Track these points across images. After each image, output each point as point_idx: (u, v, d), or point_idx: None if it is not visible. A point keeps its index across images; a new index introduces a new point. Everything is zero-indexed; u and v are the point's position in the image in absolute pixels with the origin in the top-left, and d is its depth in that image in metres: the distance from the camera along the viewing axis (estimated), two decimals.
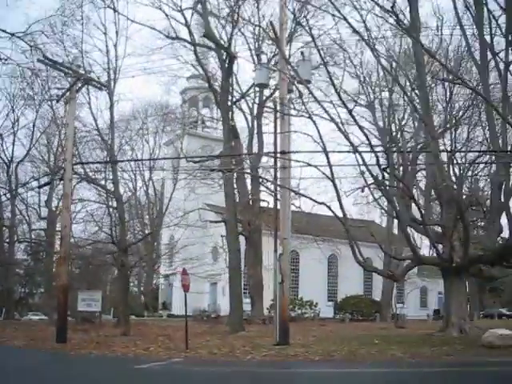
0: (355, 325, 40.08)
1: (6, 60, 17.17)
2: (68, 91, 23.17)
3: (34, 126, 56.64)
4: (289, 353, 17.77)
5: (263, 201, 42.31)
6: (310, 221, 44.75)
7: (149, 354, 18.12)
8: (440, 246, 24.88)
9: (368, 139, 21.37)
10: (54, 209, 68.85)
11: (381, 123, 38.71)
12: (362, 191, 49.22)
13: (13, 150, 60.99)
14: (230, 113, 33.62)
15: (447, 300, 23.71)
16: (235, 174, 29.87)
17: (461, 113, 28.73)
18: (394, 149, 28.58)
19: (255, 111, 43.77)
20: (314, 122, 20.22)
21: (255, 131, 42.94)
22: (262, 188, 43.32)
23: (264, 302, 43.87)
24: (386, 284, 50.46)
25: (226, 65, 30.87)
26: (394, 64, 29.50)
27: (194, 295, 52.93)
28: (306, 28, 18.31)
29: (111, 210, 34.24)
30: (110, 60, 32.78)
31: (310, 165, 19.93)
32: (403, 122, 38.49)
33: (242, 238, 44.47)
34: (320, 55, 20.19)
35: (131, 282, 68.87)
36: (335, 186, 20.60)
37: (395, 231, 54.45)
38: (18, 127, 59.23)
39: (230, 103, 33.29)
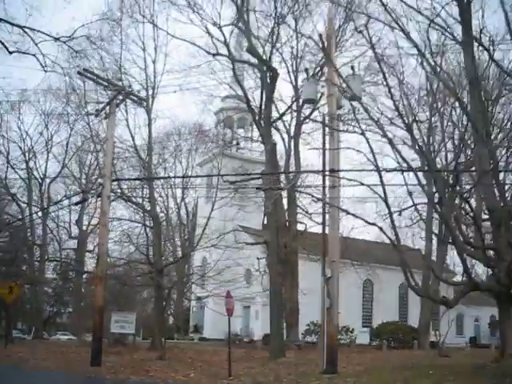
0: (395, 352, 38.53)
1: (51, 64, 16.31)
2: (108, 105, 22.45)
3: (67, 143, 56.51)
4: (339, 382, 16.59)
5: (301, 223, 41.17)
6: (346, 244, 43.81)
7: (190, 381, 17.05)
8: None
9: (405, 161, 20.27)
10: (84, 228, 68.79)
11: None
12: (400, 214, 48.09)
13: (46, 168, 60.90)
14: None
15: (503, 328, 22.25)
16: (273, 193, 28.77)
17: None
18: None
19: (292, 131, 42.83)
20: (366, 138, 19.11)
21: (292, 152, 42.00)
22: (298, 210, 42.34)
23: (299, 327, 42.64)
24: (424, 311, 48.80)
25: (268, 81, 29.95)
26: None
27: (225, 318, 52.15)
28: (365, 35, 17.05)
29: (147, 229, 33.38)
30: (149, 76, 32.24)
31: (362, 184, 18.76)
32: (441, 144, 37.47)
33: None
34: (379, 65, 18.89)
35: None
36: (388, 206, 19.41)
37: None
38: (52, 144, 59.13)
39: (270, 121, 32.27)
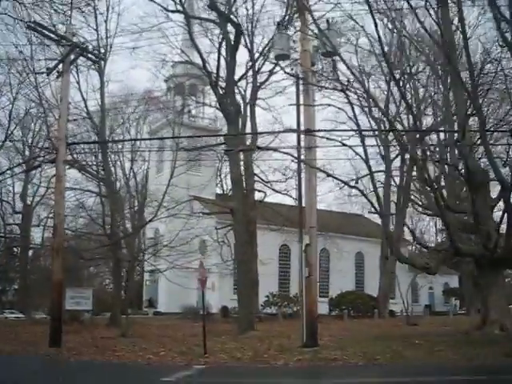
0: (358, 322, 37.84)
1: None
2: (61, 62, 20.49)
3: (10, 112, 53.44)
4: (326, 356, 15.36)
5: (259, 191, 39.83)
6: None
7: (163, 361, 15.56)
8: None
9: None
10: (29, 202, 65.98)
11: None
12: (356, 182, 47.28)
13: None
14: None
15: (485, 295, 21.39)
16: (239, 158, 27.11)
17: None
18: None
19: (248, 97, 41.28)
20: (347, 96, 17.82)
21: (249, 118, 40.50)
22: (256, 178, 41.00)
23: (260, 299, 41.63)
24: (383, 280, 48.39)
25: (232, 38, 28.22)
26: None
27: (181, 291, 50.59)
28: None
29: (103, 199, 31.46)
30: (101, 37, 30.10)
31: (344, 144, 17.47)
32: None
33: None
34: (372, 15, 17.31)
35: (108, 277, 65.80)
36: (370, 168, 18.22)
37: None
38: None
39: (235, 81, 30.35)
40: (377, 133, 34.79)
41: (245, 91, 43.05)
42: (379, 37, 16.57)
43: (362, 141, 17.61)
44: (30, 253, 69.20)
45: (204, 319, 17.59)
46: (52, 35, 20.46)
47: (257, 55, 38.32)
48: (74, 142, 24.06)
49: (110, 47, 27.62)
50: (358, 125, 18.16)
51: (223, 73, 32.12)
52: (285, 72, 23.11)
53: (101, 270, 61.40)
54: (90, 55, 21.76)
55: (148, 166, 52.43)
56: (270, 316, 42.73)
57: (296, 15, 23.50)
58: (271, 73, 39.53)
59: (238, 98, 41.73)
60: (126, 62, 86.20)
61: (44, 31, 20.28)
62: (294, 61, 21.87)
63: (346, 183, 19.09)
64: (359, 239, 58.93)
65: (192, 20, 32.26)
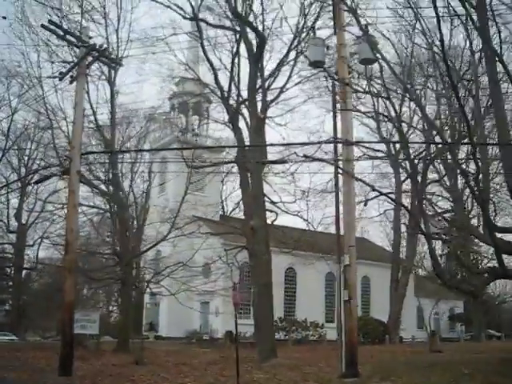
0: (373, 348, 35.95)
1: None
2: (76, 65, 18.95)
3: (9, 128, 51.83)
4: None
5: (271, 211, 38.13)
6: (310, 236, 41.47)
7: None
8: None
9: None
10: (23, 222, 64.14)
11: None
12: (365, 205, 45.76)
13: None
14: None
15: None
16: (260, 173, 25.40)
17: None
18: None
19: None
20: (392, 103, 16.35)
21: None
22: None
23: None
24: (393, 304, 46.69)
25: (254, 51, 26.69)
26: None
27: (183, 315, 48.83)
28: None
29: (109, 216, 29.74)
30: (112, 46, 28.66)
31: (386, 157, 15.90)
32: None
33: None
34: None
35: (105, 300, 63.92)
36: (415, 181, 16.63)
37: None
38: None
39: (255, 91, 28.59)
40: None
41: (253, 109, 41.82)
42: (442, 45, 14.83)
43: (408, 152, 16.07)
44: (24, 273, 67.59)
45: (237, 347, 15.78)
46: (68, 36, 18.93)
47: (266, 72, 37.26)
48: (88, 152, 22.38)
49: (121, 58, 26.16)
50: (402, 134, 16.58)
51: (232, 88, 30.85)
52: (327, 75, 21.14)
53: (96, 292, 59.62)
54: (105, 60, 20.17)
55: (149, 186, 50.84)
56: (280, 342, 40.91)
57: (331, 21, 21.99)
58: (281, 90, 38.24)
59: (247, 115, 40.72)
60: (132, 76, 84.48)
61: (59, 31, 18.78)
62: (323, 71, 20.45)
63: (391, 198, 17.49)
64: (365, 263, 57.17)
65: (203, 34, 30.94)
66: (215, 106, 45.51)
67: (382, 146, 49.42)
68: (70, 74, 19.65)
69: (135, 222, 52.15)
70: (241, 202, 60.86)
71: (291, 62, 33.61)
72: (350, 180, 17.37)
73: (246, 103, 38.96)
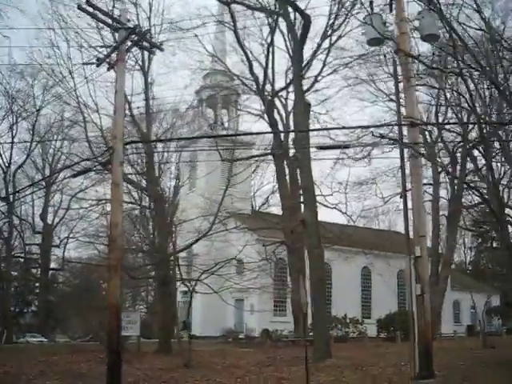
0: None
1: None
2: (116, 49, 17.58)
3: (34, 125, 50.92)
4: None
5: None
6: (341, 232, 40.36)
7: None
8: None
9: None
10: (49, 222, 63.33)
11: None
12: (401, 197, 44.15)
13: (11, 154, 55.33)
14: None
15: None
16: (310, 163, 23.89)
17: None
18: None
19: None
20: (464, 80, 14.85)
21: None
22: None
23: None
24: (434, 298, 44.94)
25: (299, 33, 25.23)
26: None
27: (216, 313, 47.53)
28: None
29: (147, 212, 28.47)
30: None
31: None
32: None
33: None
34: None
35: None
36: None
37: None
38: (18, 127, 53.60)
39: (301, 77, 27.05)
40: None
41: (286, 100, 40.52)
42: None
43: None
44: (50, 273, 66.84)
45: (306, 348, 14.36)
46: (106, 19, 17.61)
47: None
48: (131, 141, 20.99)
49: (161, 43, 24.86)
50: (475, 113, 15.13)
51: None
52: (384, 55, 19.67)
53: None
54: (146, 44, 18.78)
55: (178, 183, 49.49)
56: None
57: None
58: (316, 79, 36.93)
59: (280, 107, 39.37)
60: (161, 69, 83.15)
61: (97, 13, 17.44)
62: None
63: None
64: (400, 257, 55.45)
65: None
66: (245, 99, 44.22)
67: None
68: (107, 60, 18.45)
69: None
70: (270, 197, 59.26)
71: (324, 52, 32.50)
72: (419, 164, 16.04)
73: (281, 94, 37.90)
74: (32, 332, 56.82)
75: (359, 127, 25.73)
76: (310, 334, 39.71)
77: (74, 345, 39.64)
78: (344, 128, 25.18)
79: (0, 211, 53.83)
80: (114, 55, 18.13)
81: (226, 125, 54.79)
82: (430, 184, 47.51)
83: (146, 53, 27.78)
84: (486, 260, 75.60)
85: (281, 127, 37.98)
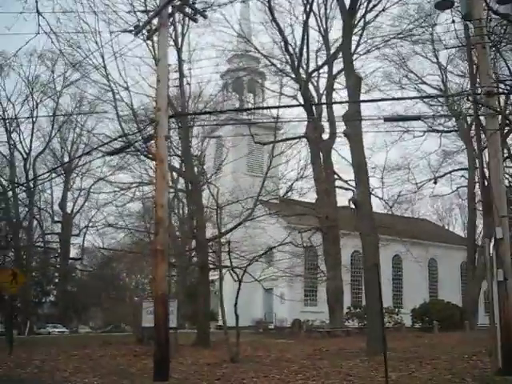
0: (465, 335, 32.61)
1: None
2: (156, 16, 16.16)
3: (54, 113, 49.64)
4: None
5: (344, 188, 35.29)
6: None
7: None
8: None
9: None
10: (68, 211, 62.22)
11: None
12: (435, 183, 42.34)
13: (31, 141, 54.28)
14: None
15: None
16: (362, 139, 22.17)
17: None
18: None
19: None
20: None
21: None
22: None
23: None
24: (471, 287, 43.31)
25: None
26: None
27: (244, 303, 45.88)
28: None
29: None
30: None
31: None
32: None
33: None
34: None
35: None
36: None
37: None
38: (38, 114, 52.44)
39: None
40: None
41: (317, 82, 39.08)
42: None
43: None
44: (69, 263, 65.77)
45: (385, 341, 12.72)
46: None
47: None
48: (180, 113, 19.38)
49: (205, 10, 23.36)
50: None
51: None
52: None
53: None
54: (189, 11, 17.26)
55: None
56: (354, 330, 38.07)
57: None
58: (349, 63, 35.42)
59: (312, 89, 37.88)
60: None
61: None
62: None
63: None
64: (431, 245, 53.83)
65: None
66: (274, 82, 42.60)
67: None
68: (147, 28, 17.05)
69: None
70: (294, 184, 57.58)
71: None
72: (497, 138, 14.45)
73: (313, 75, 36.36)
74: (52, 322, 55.83)
75: (420, 97, 23.90)
76: (346, 323, 38.71)
77: (102, 336, 38.31)
78: (403, 99, 23.39)
79: (20, 201, 52.90)
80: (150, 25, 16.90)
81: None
82: (465, 169, 45.87)
83: (179, 29, 26.38)
84: None
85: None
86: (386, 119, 17.10)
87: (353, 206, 36.37)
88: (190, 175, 25.85)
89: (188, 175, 26.04)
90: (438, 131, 47.35)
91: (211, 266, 26.40)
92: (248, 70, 46.39)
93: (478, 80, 15.85)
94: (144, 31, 17.44)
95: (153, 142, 16.38)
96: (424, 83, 46.09)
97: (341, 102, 24.92)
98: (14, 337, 27.71)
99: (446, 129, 47.30)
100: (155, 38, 20.10)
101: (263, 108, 40.42)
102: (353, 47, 30.46)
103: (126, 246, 42.72)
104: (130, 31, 17.08)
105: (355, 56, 32.40)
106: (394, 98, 22.45)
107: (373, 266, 20.04)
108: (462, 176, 46.32)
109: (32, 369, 17.42)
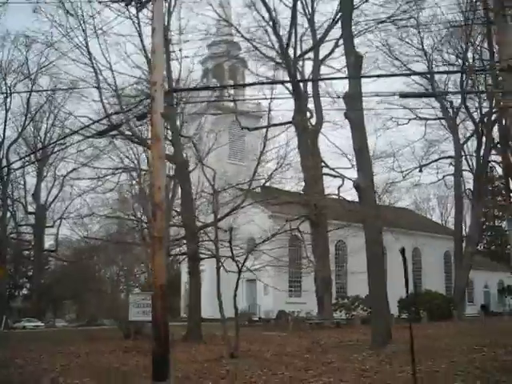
0: (456, 325, 31.79)
1: None
2: None
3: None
4: None
5: (333, 176, 34.30)
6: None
7: None
8: None
9: None
10: (42, 202, 60.51)
11: None
12: (420, 171, 41.49)
13: (4, 129, 52.52)
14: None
15: None
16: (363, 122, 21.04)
17: None
18: None
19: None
20: None
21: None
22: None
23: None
24: (460, 277, 42.73)
25: None
26: None
27: (228, 295, 44.72)
28: None
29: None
30: None
31: None
32: None
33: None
34: None
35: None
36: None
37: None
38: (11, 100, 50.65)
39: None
40: None
41: (302, 67, 38.21)
42: None
43: None
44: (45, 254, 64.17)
45: (411, 334, 11.49)
46: None
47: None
48: (178, 89, 18.10)
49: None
50: None
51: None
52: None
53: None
54: None
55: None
56: (343, 321, 37.20)
57: None
58: (336, 44, 34.52)
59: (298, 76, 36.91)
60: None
61: None
62: None
63: None
64: (414, 234, 53.23)
65: None
66: (258, 66, 41.57)
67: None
68: None
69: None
70: (274, 173, 56.53)
71: None
72: None
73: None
74: (26, 316, 54.20)
75: (430, 73, 22.92)
76: (334, 315, 37.76)
77: (81, 331, 36.89)
78: (414, 74, 22.30)
79: None
80: None
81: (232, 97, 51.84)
82: (451, 157, 45.18)
83: (165, 7, 25.08)
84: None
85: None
86: (402, 95, 16.03)
87: (341, 195, 35.85)
88: (180, 159, 24.56)
89: (178, 159, 24.75)
90: (422, 119, 46.63)
91: (203, 256, 24.96)
92: (229, 56, 45.23)
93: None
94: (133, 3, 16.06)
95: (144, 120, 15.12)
96: (409, 70, 45.28)
97: (341, 78, 23.81)
98: None
99: (430, 117, 46.57)
100: (145, 12, 18.85)
101: (251, 85, 38.73)
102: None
103: (103, 237, 41.52)
104: (121, 0, 15.71)
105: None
106: (401, 74, 21.24)
107: (374, 255, 19.05)
108: (451, 164, 45.53)
109: (15, 369, 16.06)
